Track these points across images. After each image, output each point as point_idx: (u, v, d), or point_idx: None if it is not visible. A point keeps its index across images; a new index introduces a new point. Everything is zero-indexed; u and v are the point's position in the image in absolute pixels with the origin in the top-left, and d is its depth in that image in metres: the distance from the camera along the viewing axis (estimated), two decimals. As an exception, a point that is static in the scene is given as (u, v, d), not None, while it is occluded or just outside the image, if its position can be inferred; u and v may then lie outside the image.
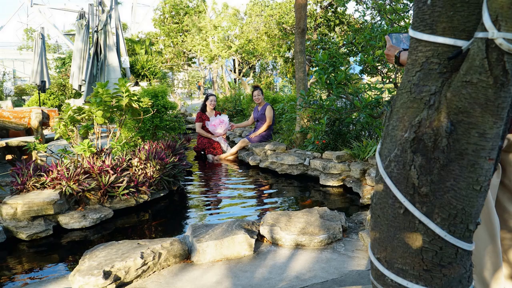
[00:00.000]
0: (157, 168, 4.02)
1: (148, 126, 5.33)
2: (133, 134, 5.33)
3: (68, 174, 3.47)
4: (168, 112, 5.61)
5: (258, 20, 17.50)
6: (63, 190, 3.35)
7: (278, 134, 6.74)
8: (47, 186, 3.46)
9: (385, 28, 5.93)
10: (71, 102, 10.12)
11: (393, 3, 7.39)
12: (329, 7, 12.21)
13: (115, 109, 4.10)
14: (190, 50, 29.95)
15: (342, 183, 4.60)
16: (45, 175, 3.51)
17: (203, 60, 28.18)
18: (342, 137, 5.35)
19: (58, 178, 3.46)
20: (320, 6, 12.61)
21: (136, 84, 12.65)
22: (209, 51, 22.85)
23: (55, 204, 3.20)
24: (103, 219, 3.39)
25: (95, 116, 3.82)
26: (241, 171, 5.70)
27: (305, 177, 5.07)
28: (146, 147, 4.45)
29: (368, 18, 13.49)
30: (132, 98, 4.12)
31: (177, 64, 30.71)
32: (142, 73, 13.06)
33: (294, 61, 6.27)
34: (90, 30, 8.03)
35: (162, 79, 14.62)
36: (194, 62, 32.11)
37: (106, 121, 3.97)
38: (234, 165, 6.14)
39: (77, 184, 3.43)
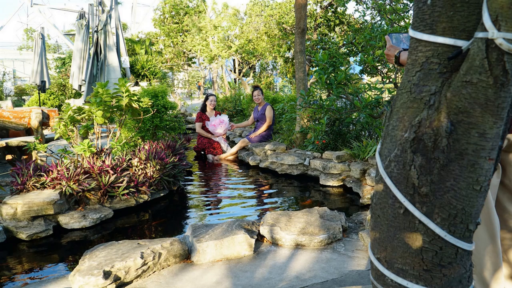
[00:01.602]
0: (157, 168, 4.02)
1: (148, 126, 5.34)
2: (133, 134, 5.33)
3: (68, 174, 3.47)
4: (168, 112, 5.62)
5: (258, 20, 17.50)
6: (63, 190, 3.35)
7: (278, 134, 6.74)
8: (47, 186, 3.46)
9: (385, 28, 5.93)
10: (71, 102, 10.13)
11: (393, 3, 7.39)
12: (329, 7, 12.21)
13: (115, 109, 4.10)
14: (190, 50, 29.90)
15: (342, 183, 4.60)
16: (45, 175, 3.51)
17: (203, 60, 28.15)
18: (342, 137, 5.35)
19: (58, 178, 3.46)
20: (320, 6, 12.61)
21: (136, 84, 12.65)
22: (209, 51, 22.84)
23: (55, 204, 3.20)
24: (103, 219, 3.39)
25: (95, 116, 3.82)
26: (241, 171, 5.70)
27: (305, 177, 5.07)
28: (146, 147, 4.46)
29: (368, 18, 13.50)
30: (132, 98, 4.12)
31: (177, 64, 30.66)
32: (142, 73, 13.06)
33: (294, 61, 6.27)
34: (90, 30, 8.03)
35: (162, 79, 14.61)
36: (194, 62, 32.08)
37: (106, 121, 3.97)
38: (234, 165, 6.14)
39: (77, 184, 3.43)
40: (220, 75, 33.82)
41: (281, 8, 16.57)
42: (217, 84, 33.92)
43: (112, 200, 3.65)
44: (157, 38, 30.35)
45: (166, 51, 29.20)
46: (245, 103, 11.06)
